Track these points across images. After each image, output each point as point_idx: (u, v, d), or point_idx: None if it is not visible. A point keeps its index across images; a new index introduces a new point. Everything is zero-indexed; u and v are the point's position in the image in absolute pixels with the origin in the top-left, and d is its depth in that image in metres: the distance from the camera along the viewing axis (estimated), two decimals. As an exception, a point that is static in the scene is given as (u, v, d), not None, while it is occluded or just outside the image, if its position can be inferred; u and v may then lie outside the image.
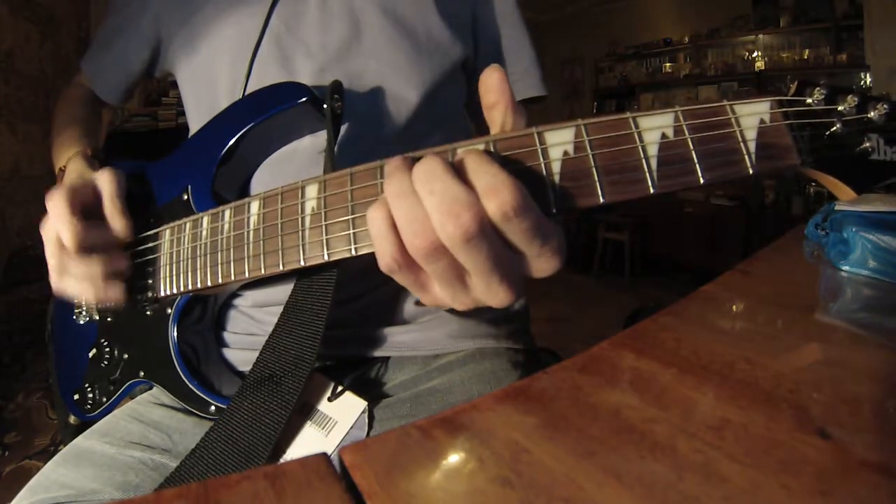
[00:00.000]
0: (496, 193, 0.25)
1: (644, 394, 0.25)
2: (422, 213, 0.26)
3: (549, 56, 4.91)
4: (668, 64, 4.12)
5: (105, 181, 0.45)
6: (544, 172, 0.29)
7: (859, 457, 0.20)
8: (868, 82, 2.95)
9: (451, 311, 0.51)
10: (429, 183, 0.26)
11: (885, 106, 0.30)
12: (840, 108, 0.30)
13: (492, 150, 0.29)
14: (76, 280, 0.42)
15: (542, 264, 0.28)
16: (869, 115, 0.30)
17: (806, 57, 3.28)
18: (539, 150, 0.29)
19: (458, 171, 0.26)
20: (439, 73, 0.51)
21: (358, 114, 0.47)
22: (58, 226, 0.41)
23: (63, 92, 0.65)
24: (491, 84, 0.30)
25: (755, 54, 3.57)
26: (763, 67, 3.50)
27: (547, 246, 0.27)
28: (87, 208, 0.44)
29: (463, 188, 0.25)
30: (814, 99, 0.30)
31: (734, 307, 0.37)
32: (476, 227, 0.25)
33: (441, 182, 0.25)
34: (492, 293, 0.28)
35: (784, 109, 0.30)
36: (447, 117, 0.54)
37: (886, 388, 0.25)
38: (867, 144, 0.30)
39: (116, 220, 0.44)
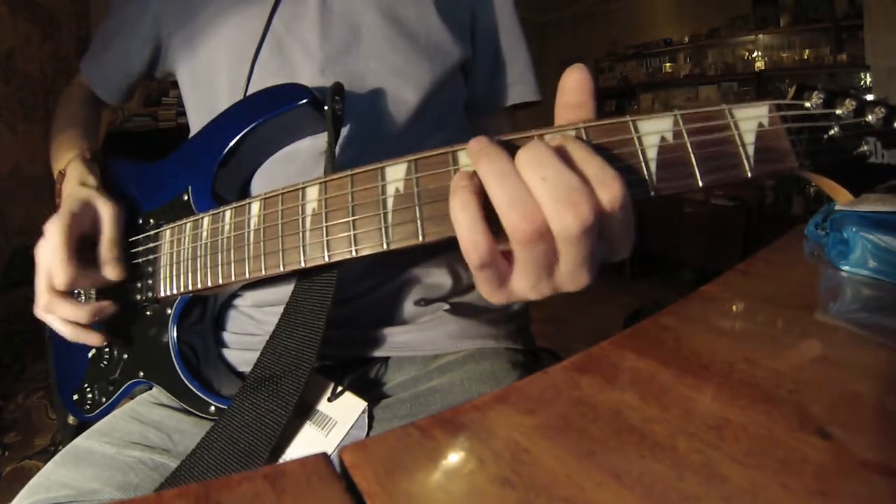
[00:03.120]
0: (607, 186, 0.25)
1: (644, 394, 0.25)
2: (529, 196, 0.25)
3: (549, 56, 4.91)
4: (668, 64, 4.12)
5: (106, 220, 0.46)
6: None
7: (859, 457, 0.20)
8: (868, 82, 2.94)
9: (452, 311, 0.51)
10: (540, 168, 0.25)
11: (882, 110, 0.30)
12: (838, 111, 0.30)
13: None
14: (60, 320, 0.44)
15: (623, 252, 0.28)
16: (867, 119, 0.30)
17: (806, 57, 3.28)
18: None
19: (563, 158, 0.26)
20: (439, 74, 0.51)
21: (357, 115, 0.47)
22: (51, 265, 0.42)
23: (64, 91, 0.65)
24: (575, 84, 0.30)
25: (755, 54, 3.57)
26: (763, 67, 3.50)
27: (631, 235, 0.27)
28: (84, 236, 0.45)
29: (576, 177, 0.25)
30: (812, 103, 0.30)
31: (734, 307, 0.37)
32: (592, 220, 0.24)
33: (553, 168, 0.25)
34: (576, 280, 0.27)
35: (783, 113, 0.30)
36: (447, 118, 0.54)
37: (887, 388, 0.25)
38: (865, 148, 0.30)
39: (109, 269, 0.46)
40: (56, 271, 0.42)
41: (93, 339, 0.46)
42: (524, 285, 0.28)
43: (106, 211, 0.46)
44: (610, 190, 0.25)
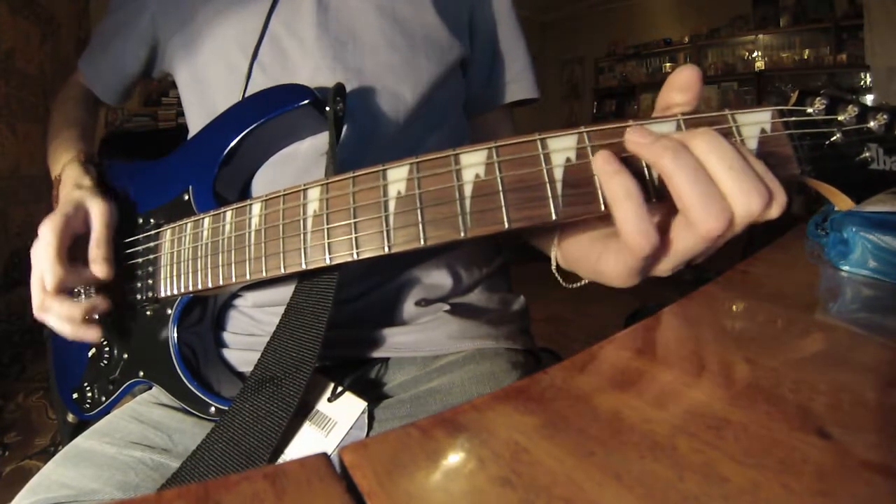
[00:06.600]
0: (781, 195, 0.26)
1: (644, 394, 0.25)
2: (718, 191, 0.26)
3: (549, 56, 4.91)
4: (668, 64, 4.12)
5: (95, 219, 0.46)
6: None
7: (859, 457, 0.20)
8: (868, 82, 2.95)
9: (452, 311, 0.51)
10: (726, 158, 0.26)
11: (884, 116, 0.30)
12: (840, 117, 0.30)
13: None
14: (56, 318, 0.45)
15: None
16: (869, 126, 0.30)
17: (806, 57, 3.28)
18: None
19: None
20: (437, 72, 0.51)
21: (355, 113, 0.47)
22: (42, 266, 0.43)
23: (61, 90, 0.65)
24: (683, 82, 0.30)
25: (755, 54, 3.57)
26: (763, 67, 3.50)
27: None
28: (77, 238, 0.46)
29: (755, 172, 0.26)
30: (815, 109, 0.30)
31: (734, 307, 0.37)
32: (766, 206, 0.26)
33: (736, 158, 0.26)
34: (702, 258, 0.29)
35: (785, 119, 0.30)
36: (445, 117, 0.54)
37: (887, 388, 0.25)
38: (867, 154, 0.30)
39: (98, 267, 0.46)
40: (46, 272, 0.43)
41: (91, 335, 0.46)
42: (667, 269, 0.29)
43: (96, 210, 0.47)
44: (781, 199, 0.26)
